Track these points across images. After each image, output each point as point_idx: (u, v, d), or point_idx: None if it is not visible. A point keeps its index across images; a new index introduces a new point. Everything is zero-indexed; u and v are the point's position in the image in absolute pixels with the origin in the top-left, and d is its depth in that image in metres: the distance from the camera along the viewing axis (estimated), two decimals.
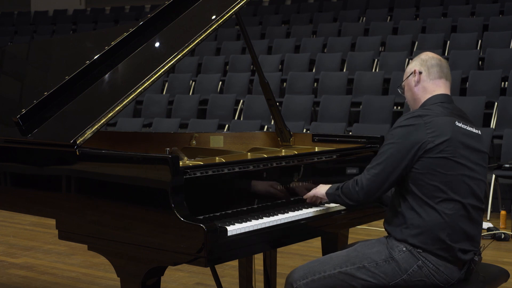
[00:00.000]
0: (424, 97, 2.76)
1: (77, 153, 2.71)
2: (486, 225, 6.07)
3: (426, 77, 2.76)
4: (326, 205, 2.95)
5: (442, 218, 2.55)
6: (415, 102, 2.79)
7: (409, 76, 2.81)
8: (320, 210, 2.90)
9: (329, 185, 2.87)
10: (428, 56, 2.81)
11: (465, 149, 2.61)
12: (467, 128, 2.66)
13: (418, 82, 2.77)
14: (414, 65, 2.82)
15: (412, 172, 2.59)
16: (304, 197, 2.95)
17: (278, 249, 3.86)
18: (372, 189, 2.65)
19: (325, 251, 3.46)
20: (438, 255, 2.57)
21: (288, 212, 2.80)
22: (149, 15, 3.27)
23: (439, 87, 2.76)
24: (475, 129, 2.71)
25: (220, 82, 10.40)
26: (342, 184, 2.77)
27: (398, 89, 2.92)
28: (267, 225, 2.62)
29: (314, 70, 10.19)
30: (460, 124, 2.64)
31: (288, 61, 10.44)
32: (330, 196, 2.83)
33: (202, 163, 2.71)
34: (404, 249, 2.60)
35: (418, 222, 2.57)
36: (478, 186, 2.65)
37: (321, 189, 2.89)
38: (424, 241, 2.56)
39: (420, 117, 2.61)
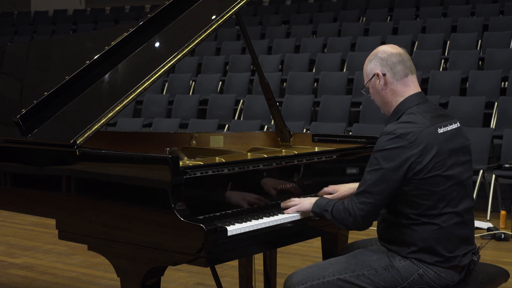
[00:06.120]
0: (395, 100, 2.62)
1: (77, 153, 2.71)
2: (486, 225, 6.07)
3: (391, 78, 2.60)
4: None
5: (437, 233, 2.51)
6: (386, 105, 2.66)
7: (371, 78, 2.64)
8: None
9: (312, 199, 2.74)
10: (386, 54, 2.62)
11: (452, 156, 2.53)
12: (447, 129, 2.56)
13: (385, 85, 2.61)
14: (374, 66, 2.63)
15: (404, 193, 2.51)
16: (285, 211, 2.75)
17: (278, 249, 3.86)
18: (367, 218, 2.54)
19: (325, 251, 3.46)
20: (438, 266, 2.54)
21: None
22: (149, 15, 3.27)
23: (408, 86, 2.61)
24: (454, 122, 2.61)
25: (220, 82, 10.40)
26: (331, 207, 2.62)
27: (362, 91, 2.73)
28: (267, 225, 2.62)
29: (314, 70, 10.18)
30: (442, 130, 2.54)
31: (288, 61, 10.44)
32: (317, 214, 2.71)
33: (202, 163, 2.71)
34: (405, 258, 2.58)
35: (413, 239, 2.53)
36: (468, 186, 2.60)
37: (305, 205, 2.74)
38: (423, 256, 2.53)
39: (403, 136, 2.46)
